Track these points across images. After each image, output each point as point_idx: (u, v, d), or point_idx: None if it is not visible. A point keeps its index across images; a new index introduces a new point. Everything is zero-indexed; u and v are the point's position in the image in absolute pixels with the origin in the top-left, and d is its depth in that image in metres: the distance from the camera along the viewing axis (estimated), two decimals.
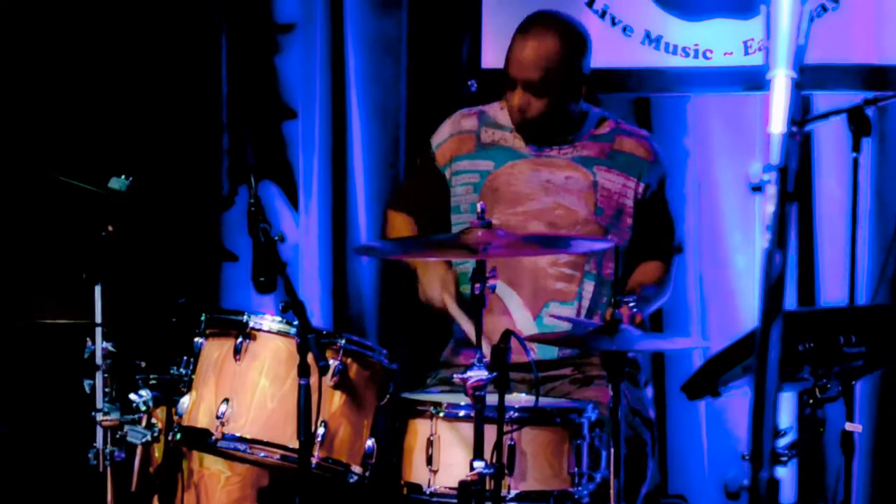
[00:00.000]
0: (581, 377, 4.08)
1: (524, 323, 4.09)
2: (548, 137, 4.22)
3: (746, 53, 4.88)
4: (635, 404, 4.08)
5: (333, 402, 3.54)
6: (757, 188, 1.66)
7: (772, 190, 1.62)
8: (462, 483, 3.32)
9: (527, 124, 4.17)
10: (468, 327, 3.89)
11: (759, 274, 4.86)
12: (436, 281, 4.04)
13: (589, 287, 4.15)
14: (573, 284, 4.15)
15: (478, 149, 4.28)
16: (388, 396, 3.65)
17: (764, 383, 1.56)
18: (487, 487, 3.31)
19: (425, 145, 4.38)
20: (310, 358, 3.31)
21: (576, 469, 3.55)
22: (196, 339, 3.67)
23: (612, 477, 3.48)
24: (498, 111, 4.31)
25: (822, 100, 4.78)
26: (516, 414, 3.48)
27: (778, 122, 1.66)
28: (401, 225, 4.34)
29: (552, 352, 4.10)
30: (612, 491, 3.48)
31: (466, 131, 4.31)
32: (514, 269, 4.14)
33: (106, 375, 3.67)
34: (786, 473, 4.56)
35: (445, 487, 3.50)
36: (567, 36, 4.18)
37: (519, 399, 3.76)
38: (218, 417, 3.49)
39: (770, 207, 1.63)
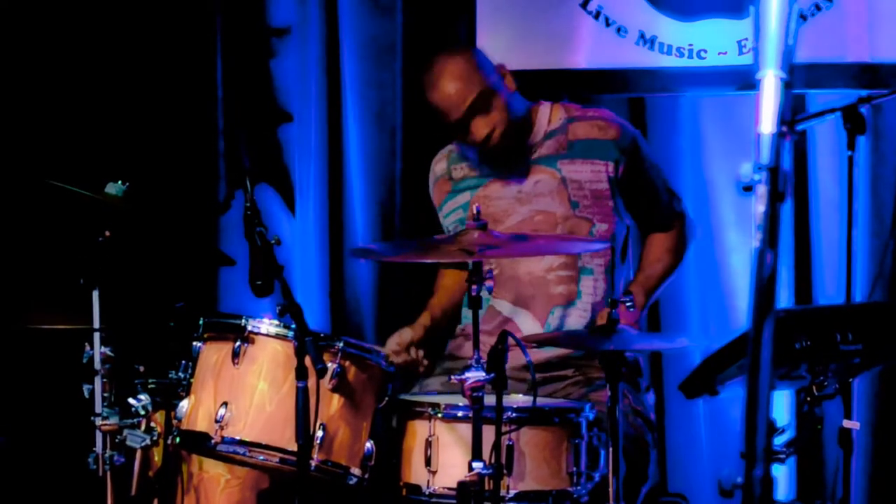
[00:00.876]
0: (583, 378, 4.09)
1: (533, 332, 4.10)
2: (514, 150, 4.19)
3: (741, 53, 4.89)
4: (637, 405, 4.09)
5: (332, 404, 3.55)
6: (748, 188, 1.67)
7: (762, 190, 1.63)
8: (461, 483, 3.33)
9: (493, 148, 4.13)
10: None
11: (751, 273, 4.91)
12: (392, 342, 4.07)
13: (588, 282, 4.14)
14: (572, 284, 4.15)
15: (453, 188, 4.31)
16: (386, 398, 3.66)
17: (757, 382, 1.57)
18: (486, 488, 3.31)
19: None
20: (308, 361, 3.32)
21: (574, 468, 3.56)
22: (194, 343, 3.68)
23: (610, 476, 3.49)
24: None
25: (817, 98, 4.79)
26: (514, 414, 3.49)
27: (768, 123, 1.67)
28: (451, 276, 4.37)
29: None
30: (610, 490, 3.49)
31: (440, 176, 4.35)
32: (518, 288, 4.14)
33: (105, 380, 3.68)
34: (784, 471, 4.58)
35: (444, 488, 3.51)
36: (466, 59, 4.15)
37: (517, 399, 3.77)
38: (217, 421, 3.50)
39: (760, 207, 1.63)
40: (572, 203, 4.17)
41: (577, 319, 4.13)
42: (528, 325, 4.14)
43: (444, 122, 4.11)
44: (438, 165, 4.37)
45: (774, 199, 1.61)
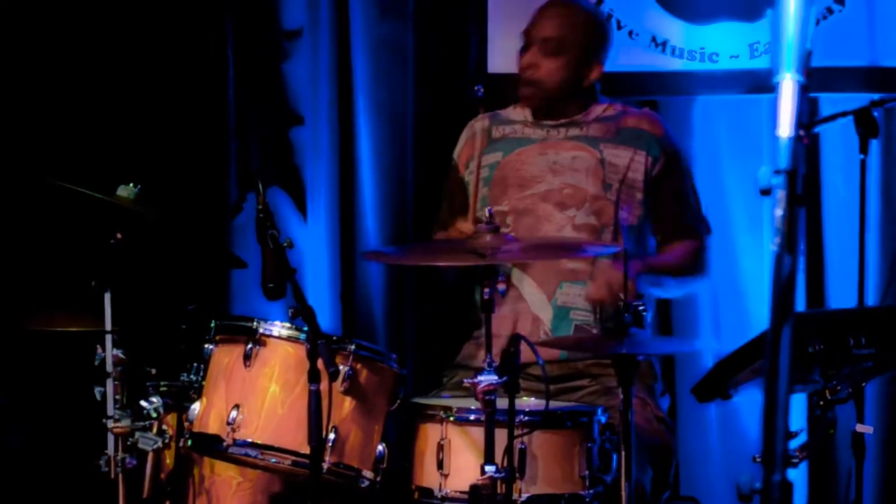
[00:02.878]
0: (599, 388, 4.07)
1: (539, 305, 4.10)
2: (553, 108, 4.28)
3: (752, 56, 4.89)
4: (658, 412, 4.09)
5: (344, 407, 3.55)
6: (766, 191, 1.67)
7: (780, 193, 1.63)
8: (473, 487, 3.32)
9: (533, 85, 4.24)
10: None
11: (769, 277, 4.90)
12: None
13: (601, 265, 4.12)
14: (586, 263, 4.14)
15: (488, 144, 4.34)
16: (398, 401, 3.66)
17: (775, 386, 1.56)
18: (499, 491, 3.31)
19: (449, 160, 4.44)
20: (320, 363, 3.31)
21: (587, 472, 3.55)
22: (206, 346, 3.68)
23: (623, 480, 3.48)
24: (511, 111, 4.37)
25: (829, 102, 4.78)
26: (527, 418, 3.48)
27: (786, 126, 1.67)
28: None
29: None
30: (623, 494, 3.48)
31: (479, 131, 4.39)
32: None
33: (116, 382, 3.69)
34: (796, 475, 4.57)
35: (456, 492, 3.50)
36: (588, 15, 4.33)
37: (529, 403, 3.76)
38: (228, 423, 3.50)
39: (779, 211, 1.63)
40: (605, 185, 4.19)
41: (584, 301, 4.12)
42: (528, 290, 4.13)
43: (525, 34, 4.29)
44: (479, 123, 4.42)
45: (792, 202, 1.61)
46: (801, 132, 1.64)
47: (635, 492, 3.64)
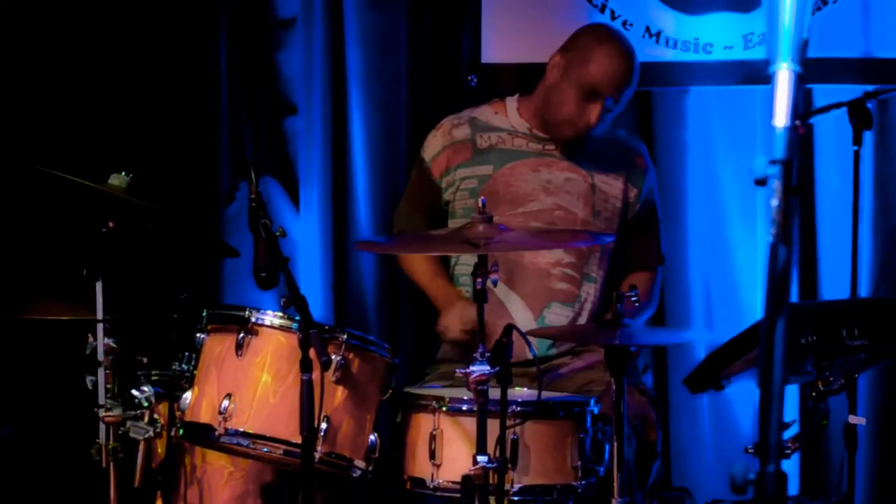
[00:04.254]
0: (582, 364, 4.10)
1: (525, 323, 4.09)
2: (574, 147, 4.25)
3: (746, 47, 4.88)
4: (639, 383, 4.11)
5: (336, 396, 3.54)
6: (761, 182, 1.66)
7: (776, 183, 1.62)
8: (465, 477, 3.32)
9: (581, 132, 4.18)
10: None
11: (762, 268, 4.89)
12: (456, 319, 4.08)
13: (588, 289, 4.18)
14: (574, 286, 4.17)
15: (474, 155, 4.29)
16: (390, 391, 3.65)
17: (770, 378, 1.56)
18: (491, 481, 3.31)
19: (418, 156, 4.40)
20: (312, 353, 3.31)
21: (579, 463, 3.55)
22: (198, 335, 3.67)
23: (615, 470, 3.48)
24: (490, 115, 4.33)
25: (823, 93, 4.78)
26: (519, 408, 3.48)
27: (781, 116, 1.66)
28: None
29: (544, 345, 4.12)
30: (615, 484, 3.48)
31: (460, 141, 4.31)
32: (515, 269, 4.15)
33: (108, 371, 3.68)
34: (788, 466, 4.57)
35: (448, 482, 3.50)
36: (635, 62, 4.23)
37: (521, 393, 3.76)
38: (220, 413, 3.50)
39: (774, 201, 1.62)
40: (594, 212, 4.20)
41: (572, 321, 4.15)
42: (515, 307, 4.14)
43: (589, 80, 4.12)
44: (458, 131, 4.33)
45: (788, 193, 1.60)
46: (797, 122, 1.63)
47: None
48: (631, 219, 4.30)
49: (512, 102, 4.32)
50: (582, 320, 4.17)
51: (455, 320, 4.06)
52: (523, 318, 4.11)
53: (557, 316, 4.16)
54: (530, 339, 3.51)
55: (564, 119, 4.16)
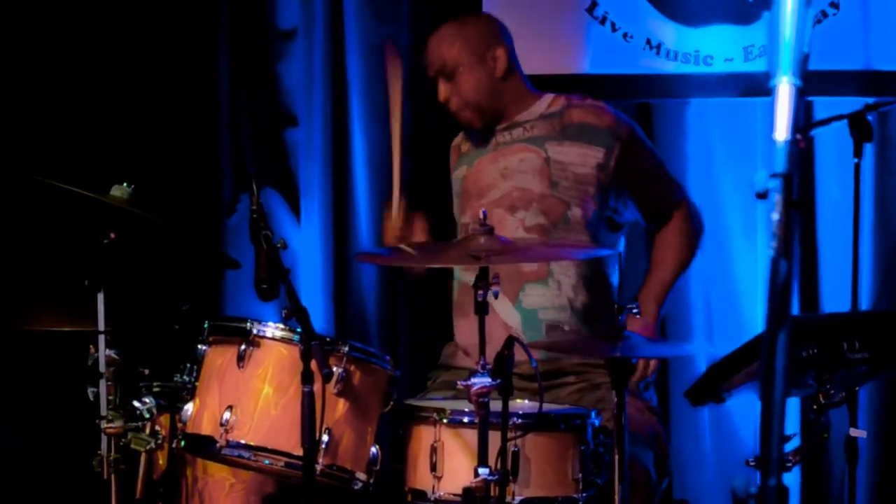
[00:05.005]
0: (587, 385, 4.07)
1: (506, 312, 4.09)
2: (497, 115, 4.28)
3: (747, 59, 4.89)
4: (646, 402, 4.10)
5: (337, 409, 3.54)
6: (762, 195, 1.67)
7: (777, 197, 1.63)
8: (466, 489, 3.32)
9: (463, 112, 4.28)
10: None
11: (764, 281, 4.89)
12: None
13: (561, 264, 4.12)
14: (542, 264, 4.14)
15: (458, 159, 4.39)
16: (391, 403, 3.65)
17: (771, 391, 1.56)
18: (492, 494, 3.31)
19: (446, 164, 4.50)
20: (313, 365, 3.31)
21: (580, 475, 3.55)
22: (199, 346, 3.67)
23: (616, 483, 3.48)
24: None
25: (823, 105, 4.79)
26: (520, 420, 3.48)
27: (782, 130, 1.67)
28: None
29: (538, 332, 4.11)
30: (616, 497, 3.48)
31: (455, 146, 4.45)
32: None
33: (109, 383, 3.68)
34: (789, 479, 4.56)
35: (449, 494, 3.49)
36: (456, 25, 4.33)
37: (523, 405, 3.76)
38: (222, 425, 3.49)
39: (775, 215, 1.63)
40: (552, 183, 4.18)
41: (551, 300, 4.12)
42: (499, 304, 4.11)
43: (429, 77, 4.31)
44: (457, 138, 4.46)
45: (789, 206, 1.61)
46: (798, 136, 1.64)
47: (641, 478, 3.65)
48: (617, 176, 4.22)
49: None
50: (563, 298, 4.12)
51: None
52: (503, 308, 4.10)
53: (536, 297, 4.13)
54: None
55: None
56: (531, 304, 4.13)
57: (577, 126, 4.23)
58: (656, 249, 4.31)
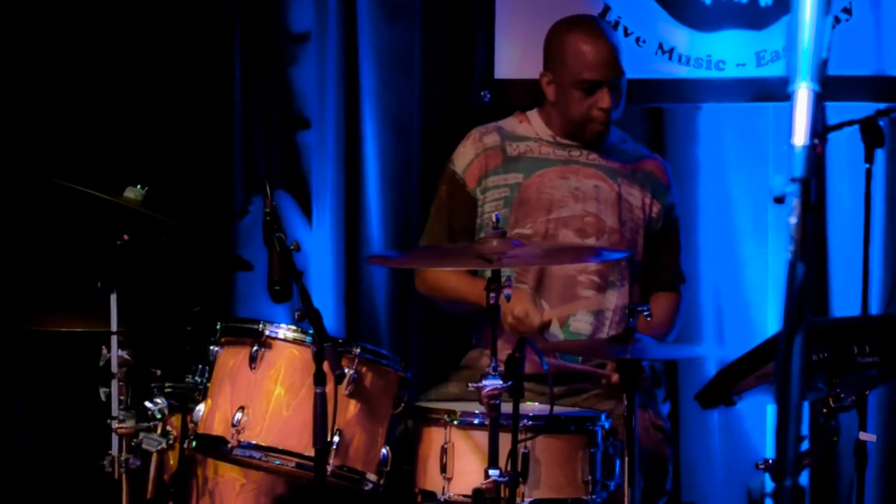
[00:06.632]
0: (602, 391, 4.08)
1: (553, 331, 4.10)
2: (596, 145, 4.29)
3: (759, 64, 4.89)
4: (657, 420, 4.10)
5: (348, 410, 3.55)
6: (780, 199, 1.68)
7: (795, 202, 1.64)
8: (476, 491, 3.33)
9: (606, 126, 4.22)
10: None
11: (774, 284, 4.89)
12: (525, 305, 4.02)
13: (612, 297, 4.16)
14: (601, 294, 4.16)
15: (505, 162, 4.28)
16: (402, 404, 3.67)
17: (787, 394, 1.57)
18: (502, 495, 3.32)
19: (446, 171, 4.37)
20: (325, 366, 3.32)
21: (590, 477, 3.56)
22: (211, 348, 3.68)
23: (626, 485, 3.49)
24: (516, 125, 4.34)
25: (835, 111, 4.79)
26: (530, 422, 3.49)
27: (801, 135, 1.68)
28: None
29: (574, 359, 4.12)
30: (626, 500, 3.49)
31: (491, 147, 4.31)
32: (544, 276, 4.15)
33: (121, 383, 3.70)
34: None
35: (460, 495, 3.51)
36: (607, 33, 4.29)
37: (533, 407, 3.77)
38: (233, 425, 3.51)
39: (793, 219, 1.64)
40: (621, 220, 4.21)
41: (595, 330, 4.14)
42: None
43: (582, 86, 4.18)
44: (488, 138, 4.33)
45: (806, 210, 1.62)
46: (816, 141, 1.65)
47: None
48: (653, 234, 4.30)
49: (534, 114, 4.35)
50: (603, 330, 4.16)
51: (527, 307, 3.98)
52: (553, 329, 4.11)
53: (582, 323, 4.16)
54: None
55: (580, 119, 4.22)
56: (578, 329, 4.15)
57: (645, 174, 4.32)
58: (656, 306, 4.24)
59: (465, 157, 4.32)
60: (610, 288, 4.17)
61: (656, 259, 4.32)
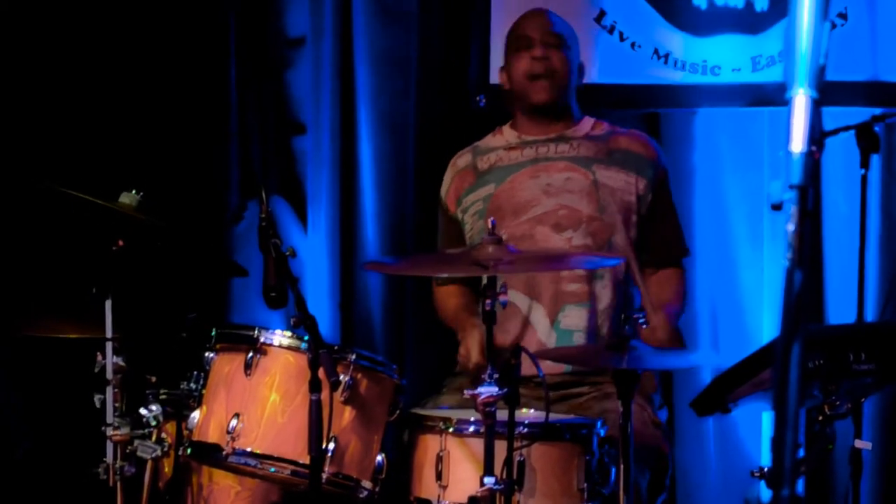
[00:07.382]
0: (599, 394, 4.08)
1: (544, 332, 4.10)
2: (551, 116, 4.28)
3: (755, 69, 4.90)
4: (654, 417, 4.09)
5: (344, 417, 3.54)
6: (777, 206, 1.67)
7: (793, 208, 1.63)
8: (472, 499, 3.32)
9: (548, 78, 4.23)
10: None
11: (770, 291, 4.89)
12: (477, 347, 4.02)
13: (601, 287, 4.13)
14: (585, 285, 4.14)
15: (477, 178, 4.32)
16: (397, 411, 3.65)
17: (785, 401, 1.56)
18: (497, 503, 3.31)
19: (439, 198, 4.42)
20: (321, 373, 3.31)
21: (585, 485, 3.55)
22: (206, 354, 3.67)
23: (621, 493, 3.48)
24: (490, 139, 4.39)
25: (830, 116, 4.79)
26: (526, 429, 3.48)
27: (798, 141, 1.67)
28: (452, 291, 4.35)
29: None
30: None
31: (462, 168, 4.37)
32: (533, 279, 4.14)
33: (116, 390, 3.68)
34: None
35: (455, 503, 3.49)
36: (566, 22, 4.34)
37: (529, 415, 3.76)
38: (228, 432, 3.49)
39: (791, 226, 1.63)
40: (600, 207, 4.18)
41: (586, 323, 4.13)
42: (540, 323, 4.13)
43: (514, 36, 4.29)
44: (461, 159, 4.39)
45: (804, 217, 1.61)
46: (814, 147, 1.64)
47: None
48: (646, 210, 4.27)
49: (507, 125, 4.37)
50: (600, 320, 4.14)
51: (474, 346, 4.03)
52: (542, 327, 4.11)
53: (572, 318, 4.14)
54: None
55: (523, 82, 4.26)
56: (568, 325, 4.14)
57: (623, 153, 4.27)
58: (658, 283, 4.26)
59: (445, 182, 4.40)
60: (596, 278, 4.15)
61: (653, 234, 4.28)
